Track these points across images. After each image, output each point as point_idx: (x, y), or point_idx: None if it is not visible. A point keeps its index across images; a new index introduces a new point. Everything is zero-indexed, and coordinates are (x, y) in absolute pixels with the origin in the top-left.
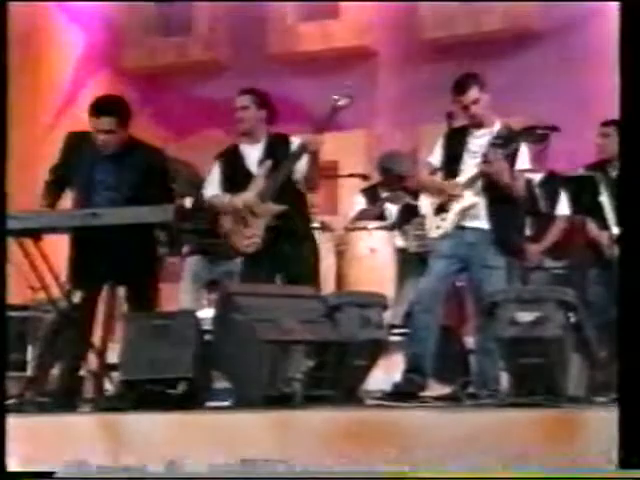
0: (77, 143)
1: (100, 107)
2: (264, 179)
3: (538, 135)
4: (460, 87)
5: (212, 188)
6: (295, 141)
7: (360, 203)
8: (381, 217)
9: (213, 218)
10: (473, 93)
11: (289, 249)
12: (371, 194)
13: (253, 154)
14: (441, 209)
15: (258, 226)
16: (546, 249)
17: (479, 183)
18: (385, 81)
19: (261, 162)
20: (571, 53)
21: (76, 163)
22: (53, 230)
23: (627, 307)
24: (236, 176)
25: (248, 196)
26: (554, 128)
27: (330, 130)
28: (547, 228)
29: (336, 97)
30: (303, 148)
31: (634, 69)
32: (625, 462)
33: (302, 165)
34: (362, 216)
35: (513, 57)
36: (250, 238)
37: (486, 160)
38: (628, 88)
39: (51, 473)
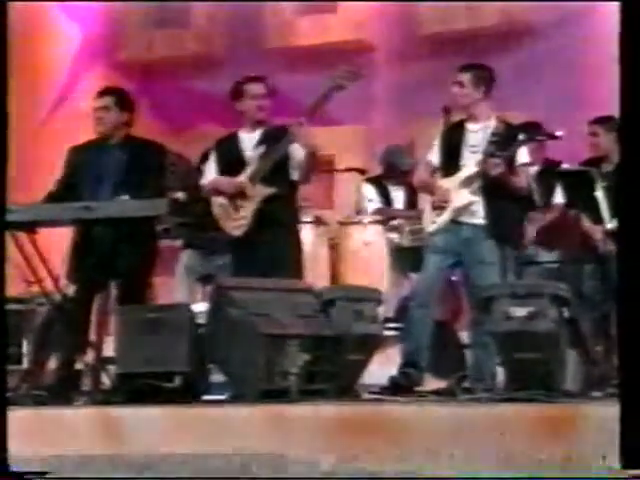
0: (79, 154)
1: (101, 89)
2: (256, 163)
3: (537, 140)
4: (459, 68)
5: (209, 173)
6: (291, 129)
7: (369, 192)
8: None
9: (207, 209)
10: (461, 77)
11: (274, 235)
12: (376, 184)
13: (250, 140)
14: (438, 205)
15: (247, 209)
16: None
17: (477, 182)
18: (382, 75)
19: (256, 147)
20: (568, 49)
21: (79, 173)
22: (47, 223)
23: (626, 303)
24: (232, 162)
25: (240, 179)
26: (554, 136)
27: (322, 111)
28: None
29: (337, 78)
30: (294, 133)
31: (634, 68)
32: (626, 462)
33: (298, 155)
34: (380, 213)
35: (510, 52)
36: (239, 221)
37: (485, 163)
38: (628, 87)
39: (45, 473)
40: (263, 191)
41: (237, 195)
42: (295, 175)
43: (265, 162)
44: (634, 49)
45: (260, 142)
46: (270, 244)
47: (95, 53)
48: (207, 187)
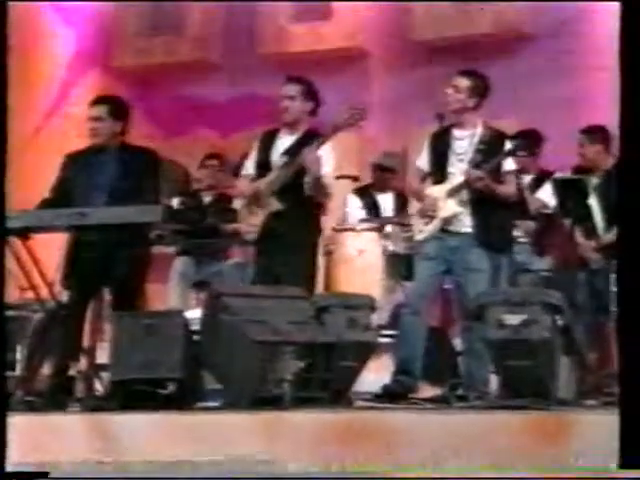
0: (74, 161)
1: (94, 98)
2: (276, 171)
3: (522, 153)
4: (458, 72)
5: (248, 167)
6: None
7: (354, 203)
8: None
9: (201, 216)
10: (458, 81)
11: (280, 249)
12: (364, 195)
13: (282, 144)
14: (426, 213)
15: (258, 218)
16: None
17: (463, 192)
18: (377, 83)
19: (283, 154)
20: (562, 56)
21: (74, 180)
22: (41, 229)
23: (627, 309)
24: (263, 161)
25: (260, 185)
26: (535, 151)
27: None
28: (536, 228)
29: (354, 113)
30: (305, 157)
31: (634, 69)
32: (625, 462)
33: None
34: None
35: (504, 59)
36: (251, 227)
37: (470, 175)
38: (628, 89)
39: (46, 474)
40: (273, 204)
41: (254, 200)
42: (310, 192)
43: (280, 174)
44: (634, 50)
45: (288, 150)
46: (276, 257)
47: (89, 59)
48: (237, 184)
